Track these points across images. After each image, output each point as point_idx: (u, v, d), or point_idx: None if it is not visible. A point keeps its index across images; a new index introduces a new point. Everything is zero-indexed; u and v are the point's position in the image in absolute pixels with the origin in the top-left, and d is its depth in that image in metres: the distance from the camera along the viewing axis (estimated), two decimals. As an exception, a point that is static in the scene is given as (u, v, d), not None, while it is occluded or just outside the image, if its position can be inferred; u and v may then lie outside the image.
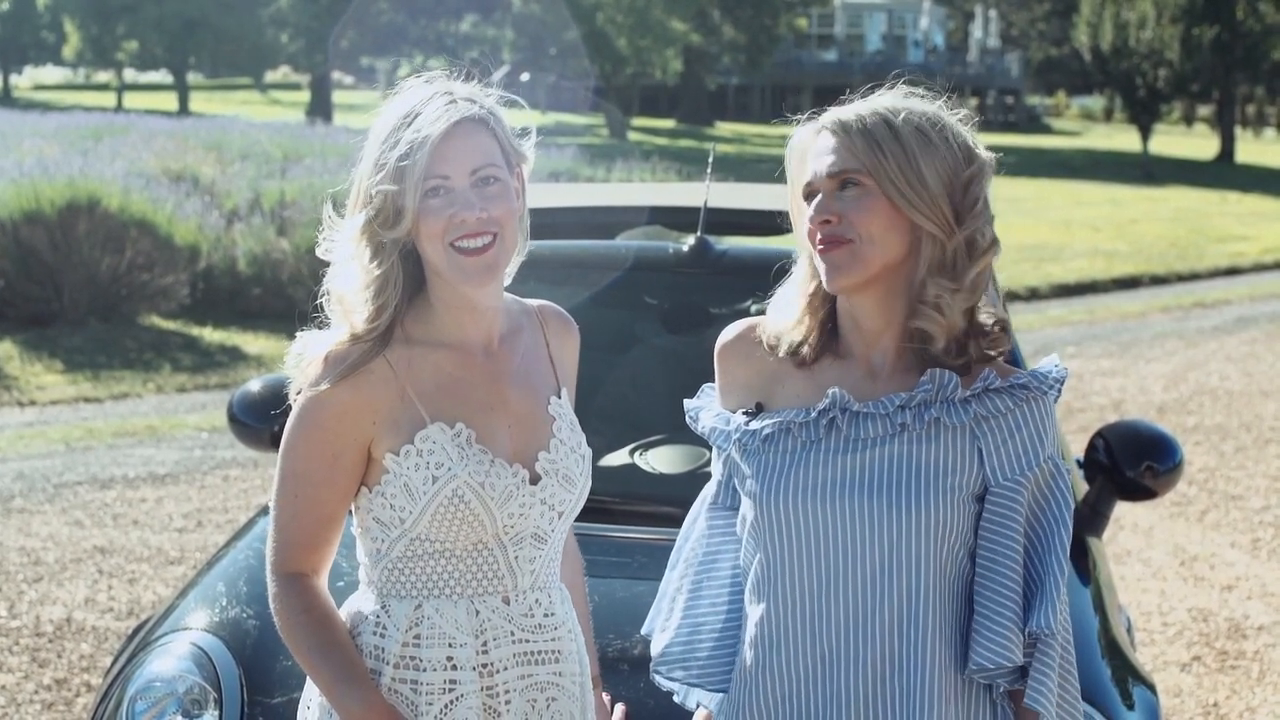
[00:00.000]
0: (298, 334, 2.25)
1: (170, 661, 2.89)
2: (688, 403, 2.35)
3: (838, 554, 2.12)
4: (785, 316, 2.23)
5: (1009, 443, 2.12)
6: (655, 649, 2.34)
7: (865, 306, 2.17)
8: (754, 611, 2.20)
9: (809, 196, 2.16)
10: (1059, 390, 2.17)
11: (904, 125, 2.11)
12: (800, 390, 2.21)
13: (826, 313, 2.22)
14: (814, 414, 2.15)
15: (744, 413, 2.24)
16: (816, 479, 2.13)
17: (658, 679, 2.36)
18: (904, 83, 2.22)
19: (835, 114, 2.16)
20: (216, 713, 2.77)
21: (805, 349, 2.21)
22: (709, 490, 2.35)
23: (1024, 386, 2.14)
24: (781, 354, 2.22)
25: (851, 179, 2.11)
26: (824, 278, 2.14)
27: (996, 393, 2.13)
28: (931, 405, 2.11)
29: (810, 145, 2.18)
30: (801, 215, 2.18)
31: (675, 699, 2.40)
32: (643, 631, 2.42)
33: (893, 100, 2.17)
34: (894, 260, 2.12)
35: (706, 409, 2.31)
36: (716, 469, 2.32)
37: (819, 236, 2.13)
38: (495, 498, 2.19)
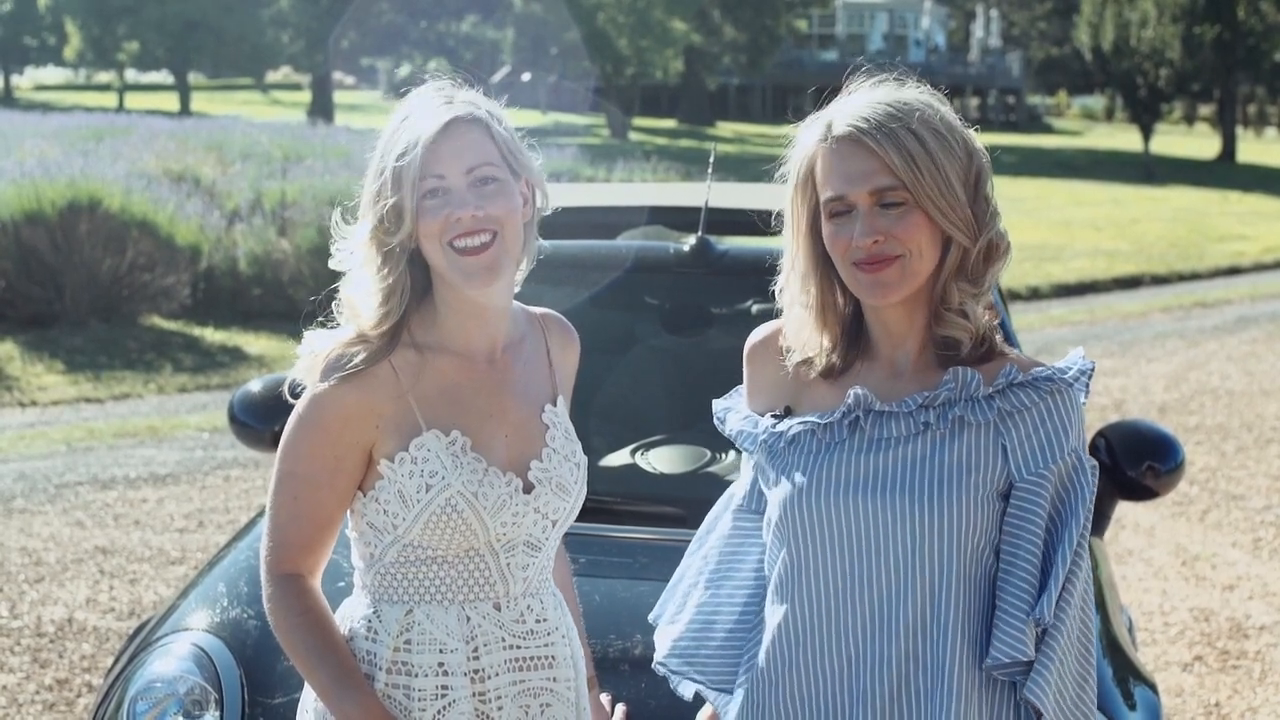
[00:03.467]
0: (306, 333, 2.24)
1: (171, 662, 2.89)
2: (716, 403, 2.35)
3: (862, 553, 2.12)
4: (810, 339, 2.21)
5: (1033, 438, 2.11)
6: (663, 640, 2.34)
7: (893, 313, 2.16)
8: (777, 611, 2.20)
9: (836, 213, 2.12)
10: (1086, 383, 2.15)
11: (922, 128, 2.08)
12: (827, 391, 2.20)
13: (850, 321, 2.20)
14: (838, 414, 2.15)
15: (772, 415, 2.23)
16: (841, 478, 2.13)
17: (659, 669, 2.36)
18: (894, 79, 2.18)
19: (851, 119, 2.10)
20: (217, 713, 2.77)
21: (835, 361, 2.20)
22: (736, 491, 2.35)
23: (1048, 379, 2.12)
24: (816, 374, 2.21)
25: (895, 198, 2.08)
26: (866, 294, 2.12)
27: (1020, 387, 2.11)
28: (955, 403, 2.11)
29: (825, 155, 2.12)
30: (827, 235, 2.13)
31: (670, 684, 2.39)
32: (650, 618, 2.42)
33: (897, 95, 2.13)
34: (933, 269, 2.12)
35: (734, 411, 2.31)
36: (745, 471, 2.33)
37: (863, 255, 2.09)
38: (488, 507, 2.19)
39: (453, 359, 2.24)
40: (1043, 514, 2.10)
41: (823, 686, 2.15)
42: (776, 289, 2.26)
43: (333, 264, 2.24)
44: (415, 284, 2.21)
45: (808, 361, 2.21)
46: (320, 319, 2.27)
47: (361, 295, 2.19)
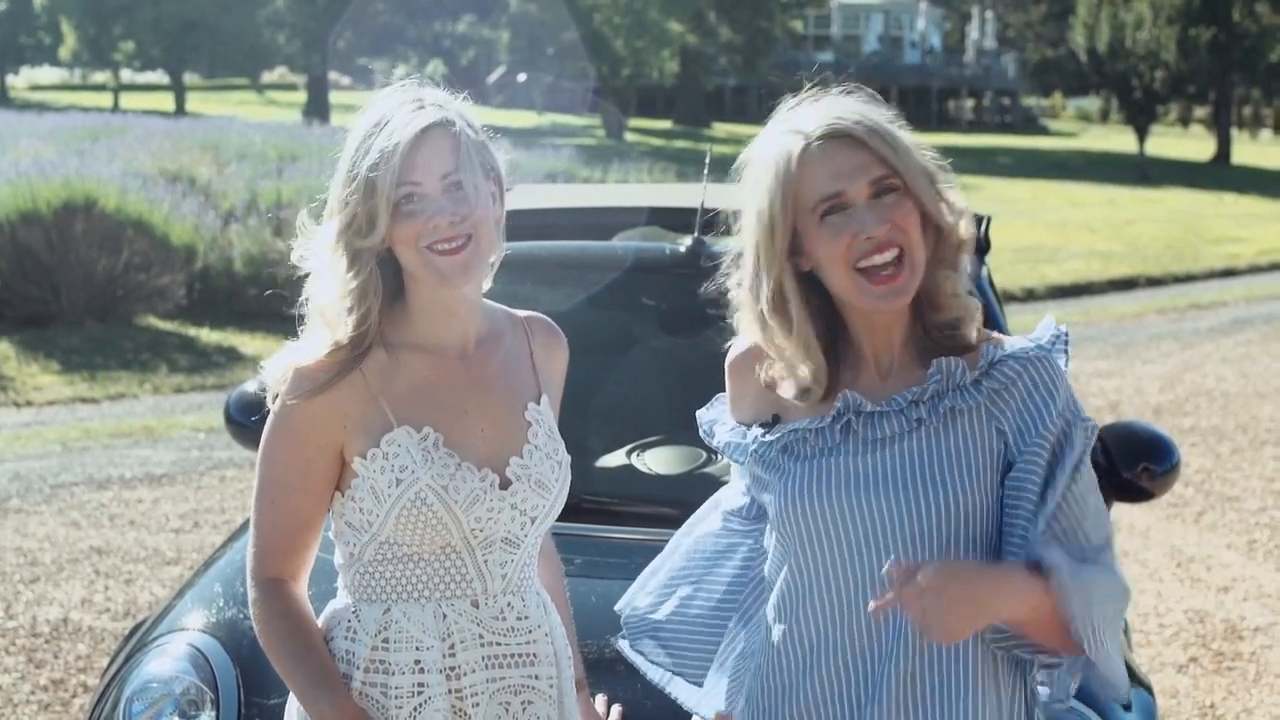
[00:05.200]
0: (286, 344, 2.26)
1: (167, 662, 2.89)
2: (701, 414, 2.34)
3: (868, 553, 2.11)
4: (798, 370, 2.16)
5: (1023, 411, 2.10)
6: (638, 626, 2.38)
7: (880, 312, 2.15)
8: (785, 616, 2.19)
9: (831, 211, 2.07)
10: (1064, 347, 2.14)
11: (891, 126, 2.10)
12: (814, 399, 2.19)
13: (826, 340, 2.17)
14: (828, 419, 2.14)
15: (760, 425, 2.22)
16: (839, 483, 2.11)
17: (630, 652, 2.40)
18: (840, 90, 2.17)
19: (828, 121, 2.08)
20: (213, 713, 2.77)
21: (822, 385, 2.16)
22: (724, 499, 2.35)
23: (1025, 348, 2.12)
24: (812, 399, 2.17)
25: (889, 184, 2.07)
26: (875, 302, 2.08)
27: (1001, 362, 2.11)
28: (945, 395, 2.10)
29: (810, 160, 2.08)
30: (821, 238, 2.08)
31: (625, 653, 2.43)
32: (617, 607, 2.43)
33: (849, 102, 2.12)
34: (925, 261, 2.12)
35: (720, 423, 2.30)
36: (735, 481, 2.33)
37: (871, 247, 2.05)
38: (460, 501, 2.19)
39: (424, 356, 2.26)
40: (1039, 474, 2.06)
41: (836, 688, 2.14)
42: (740, 326, 2.20)
43: (294, 259, 2.25)
44: (386, 285, 2.22)
45: (804, 395, 2.18)
46: (300, 324, 2.28)
47: (333, 300, 2.20)
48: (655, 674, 2.42)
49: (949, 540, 2.08)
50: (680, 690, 2.41)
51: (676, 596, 2.35)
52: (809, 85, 2.17)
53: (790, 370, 2.18)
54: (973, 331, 2.14)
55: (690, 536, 2.39)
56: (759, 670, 2.24)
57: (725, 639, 2.33)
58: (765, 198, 2.12)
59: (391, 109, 2.18)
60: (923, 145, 2.14)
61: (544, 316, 2.46)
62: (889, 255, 2.07)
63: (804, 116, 2.11)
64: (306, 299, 2.26)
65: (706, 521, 2.37)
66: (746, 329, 2.20)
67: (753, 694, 2.26)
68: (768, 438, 2.19)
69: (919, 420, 2.11)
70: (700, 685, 2.36)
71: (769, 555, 2.25)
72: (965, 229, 2.13)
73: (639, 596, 2.41)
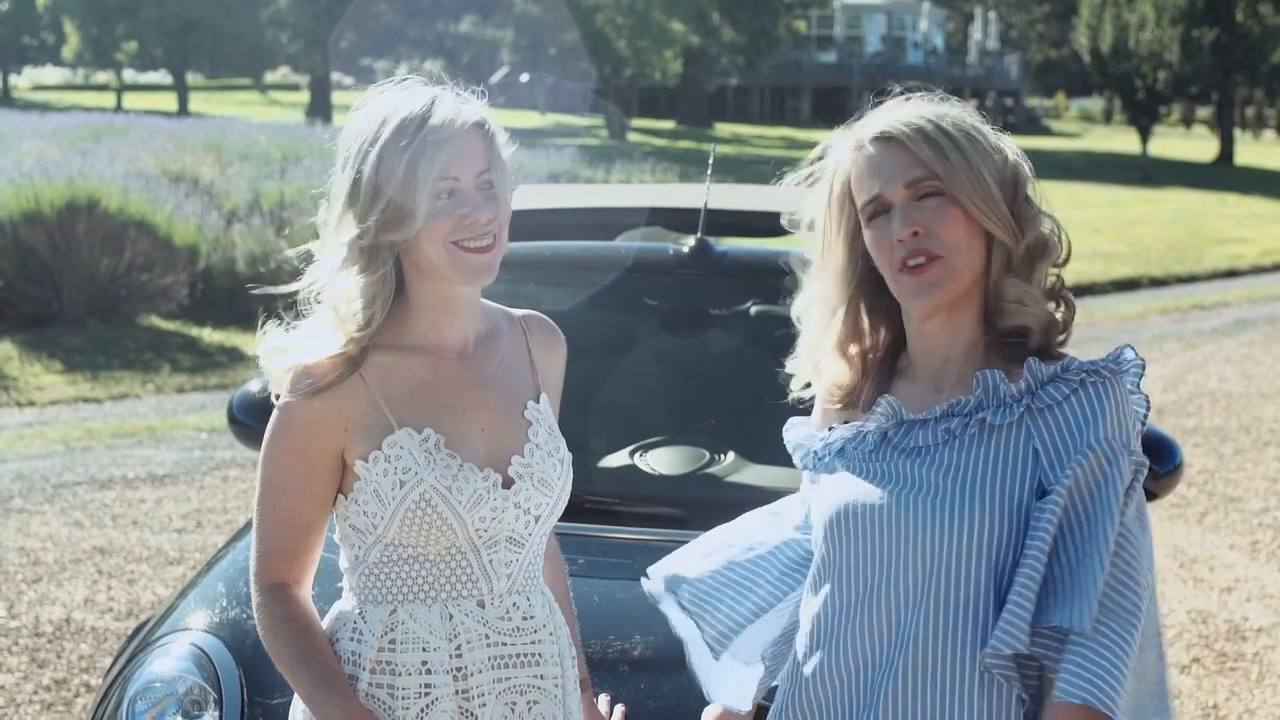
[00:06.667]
0: (291, 332, 2.23)
1: (170, 662, 2.88)
2: (793, 420, 2.36)
3: (882, 560, 2.11)
4: (834, 368, 2.23)
5: (1062, 432, 2.05)
6: (679, 570, 2.37)
7: (936, 327, 2.15)
8: (808, 618, 2.21)
9: (875, 215, 2.12)
10: (1128, 374, 2.09)
11: (952, 129, 2.09)
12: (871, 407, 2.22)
13: (886, 352, 2.21)
14: (871, 425, 2.16)
15: (829, 428, 2.26)
16: (870, 487, 2.12)
17: (656, 592, 2.40)
18: (920, 88, 2.21)
19: (882, 124, 2.12)
20: (216, 713, 2.77)
21: (845, 396, 2.23)
22: (785, 510, 2.39)
23: (1078, 369, 2.07)
24: (848, 393, 2.24)
25: (930, 189, 2.08)
26: (911, 299, 2.11)
27: (1051, 383, 2.07)
28: (984, 408, 2.08)
29: (859, 162, 2.13)
30: (869, 241, 2.13)
31: (652, 599, 2.43)
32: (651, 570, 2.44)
33: (926, 105, 2.16)
34: (979, 271, 2.10)
35: (801, 424, 2.32)
36: (804, 488, 2.36)
37: (906, 252, 2.08)
38: (464, 502, 2.19)
39: (423, 357, 2.25)
40: (1056, 508, 2.01)
41: (842, 691, 2.15)
42: (797, 316, 2.28)
43: (313, 246, 2.23)
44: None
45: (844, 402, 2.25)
46: (293, 315, 2.26)
47: (346, 297, 2.18)
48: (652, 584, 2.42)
49: (959, 558, 2.05)
50: (700, 664, 2.40)
51: (721, 561, 2.36)
52: (897, 89, 2.22)
53: (839, 355, 2.22)
54: (1039, 339, 2.10)
55: (754, 517, 2.42)
56: (790, 663, 2.27)
57: (767, 624, 2.35)
58: (825, 203, 2.20)
59: (425, 105, 2.16)
60: (1006, 151, 2.12)
61: (541, 315, 2.46)
62: (919, 260, 2.08)
63: (866, 120, 2.16)
64: (308, 295, 2.24)
65: (763, 517, 2.42)
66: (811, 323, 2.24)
67: (782, 683, 2.28)
68: (818, 443, 2.24)
69: (949, 431, 2.09)
70: (712, 647, 2.35)
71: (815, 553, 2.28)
72: (1036, 238, 2.11)
73: (690, 552, 2.42)
